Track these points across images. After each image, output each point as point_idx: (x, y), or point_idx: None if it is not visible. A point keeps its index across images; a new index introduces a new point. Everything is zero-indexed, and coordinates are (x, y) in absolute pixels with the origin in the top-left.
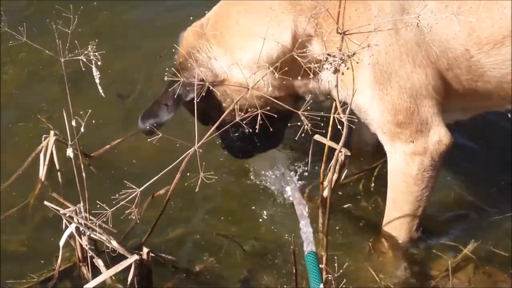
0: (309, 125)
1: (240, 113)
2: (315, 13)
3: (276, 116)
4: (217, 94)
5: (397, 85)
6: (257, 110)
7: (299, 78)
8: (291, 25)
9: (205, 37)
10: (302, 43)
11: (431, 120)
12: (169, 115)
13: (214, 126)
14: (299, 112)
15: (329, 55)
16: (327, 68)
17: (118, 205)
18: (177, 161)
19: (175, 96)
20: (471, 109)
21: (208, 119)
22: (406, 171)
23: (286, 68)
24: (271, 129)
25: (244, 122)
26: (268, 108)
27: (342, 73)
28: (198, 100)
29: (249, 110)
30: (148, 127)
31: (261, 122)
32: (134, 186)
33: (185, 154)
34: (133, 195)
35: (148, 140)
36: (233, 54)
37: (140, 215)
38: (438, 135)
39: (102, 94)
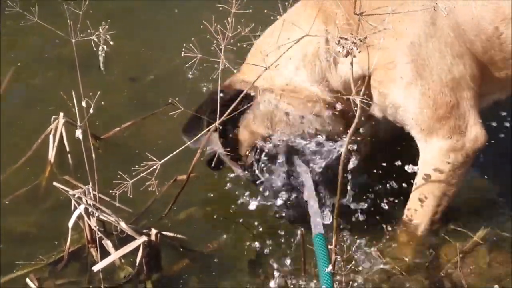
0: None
1: None
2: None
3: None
4: (261, 103)
5: (438, 79)
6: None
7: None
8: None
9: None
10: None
11: (468, 114)
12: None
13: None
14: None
15: (341, 37)
16: (339, 51)
17: (138, 177)
18: (199, 135)
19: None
20: (508, 87)
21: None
22: (439, 167)
23: None
24: None
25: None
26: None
27: (354, 56)
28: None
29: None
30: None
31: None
32: (154, 159)
33: (206, 129)
34: (154, 167)
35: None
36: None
37: (159, 194)
38: (475, 132)
39: (103, 71)
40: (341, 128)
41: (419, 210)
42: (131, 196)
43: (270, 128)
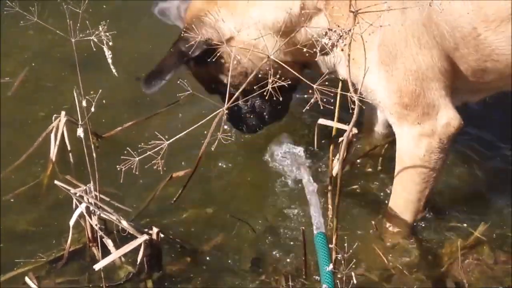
0: (319, 98)
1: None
2: None
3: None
4: (223, 55)
5: (402, 67)
6: (265, 76)
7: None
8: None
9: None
10: (309, 15)
11: (438, 102)
12: (172, 72)
13: (241, 89)
14: (314, 86)
15: (329, 29)
16: (325, 43)
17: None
18: (205, 119)
19: (179, 53)
20: (480, 90)
21: (213, 86)
22: (414, 153)
23: (292, 35)
24: (279, 98)
25: (253, 87)
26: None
27: (341, 49)
28: (202, 62)
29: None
30: (151, 89)
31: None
32: (163, 138)
33: (213, 114)
34: (161, 146)
35: None
36: (241, 16)
37: (156, 196)
38: (447, 118)
39: (115, 73)
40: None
41: (402, 198)
42: (137, 173)
43: (229, 76)
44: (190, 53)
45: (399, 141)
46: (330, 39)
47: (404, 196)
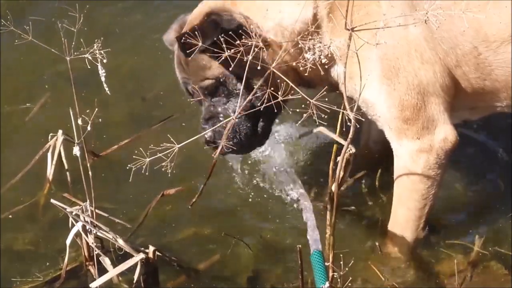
0: (315, 113)
1: None
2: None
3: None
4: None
5: (405, 81)
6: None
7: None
8: (313, 5)
9: (231, 4)
10: (318, 25)
11: (437, 117)
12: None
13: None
14: (312, 101)
15: (313, 44)
16: (307, 58)
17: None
18: (217, 126)
19: (215, 22)
20: (479, 109)
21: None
22: (412, 168)
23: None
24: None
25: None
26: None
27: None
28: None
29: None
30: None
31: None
32: (174, 141)
33: (224, 121)
34: (172, 149)
35: None
36: (258, 17)
37: (148, 214)
38: (444, 133)
39: (108, 92)
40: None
41: (402, 216)
42: (146, 174)
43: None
44: (226, 24)
45: (397, 157)
46: (313, 54)
47: (404, 213)
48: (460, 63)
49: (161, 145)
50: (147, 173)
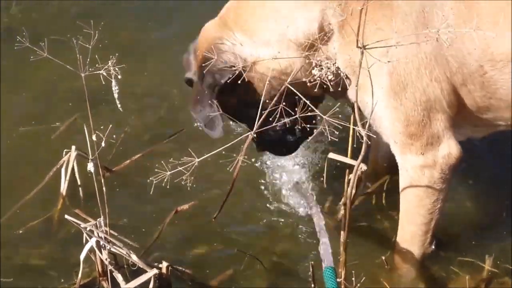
0: (327, 129)
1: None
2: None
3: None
4: (251, 79)
5: (412, 97)
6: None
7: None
8: (319, 15)
9: (228, 26)
10: (328, 36)
11: (442, 134)
12: (213, 107)
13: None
14: (325, 117)
15: (321, 61)
16: (314, 74)
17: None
18: (232, 142)
19: (209, 86)
20: (483, 126)
21: (243, 113)
22: (417, 184)
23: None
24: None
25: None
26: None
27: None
28: (231, 88)
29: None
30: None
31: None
32: (194, 155)
33: (242, 136)
34: (191, 163)
35: None
36: (260, 37)
37: (163, 230)
38: (448, 148)
39: (120, 108)
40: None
41: (409, 231)
42: (167, 186)
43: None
44: (218, 81)
45: (402, 172)
46: (320, 70)
47: (410, 229)
48: (466, 81)
49: (182, 159)
50: (167, 187)
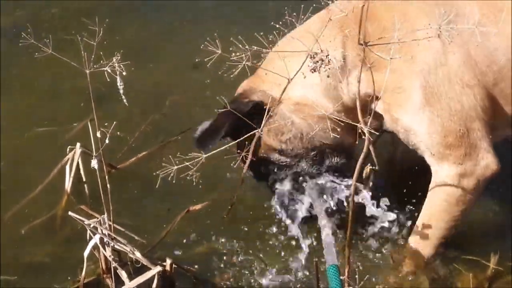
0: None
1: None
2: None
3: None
4: (274, 117)
5: (447, 107)
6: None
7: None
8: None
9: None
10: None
11: (480, 143)
12: (222, 132)
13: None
14: (327, 114)
15: (315, 53)
16: (308, 65)
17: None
18: (237, 140)
19: (229, 112)
20: None
21: (262, 167)
22: (450, 192)
23: None
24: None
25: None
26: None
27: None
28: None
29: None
30: (205, 149)
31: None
32: (202, 153)
33: (248, 134)
34: (198, 159)
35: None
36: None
37: (171, 230)
38: (486, 160)
39: (126, 103)
40: (351, 141)
41: (428, 233)
42: (173, 181)
43: (281, 141)
44: (241, 109)
45: (436, 179)
46: (315, 63)
47: (430, 232)
48: (497, 80)
49: (189, 154)
50: (174, 181)
